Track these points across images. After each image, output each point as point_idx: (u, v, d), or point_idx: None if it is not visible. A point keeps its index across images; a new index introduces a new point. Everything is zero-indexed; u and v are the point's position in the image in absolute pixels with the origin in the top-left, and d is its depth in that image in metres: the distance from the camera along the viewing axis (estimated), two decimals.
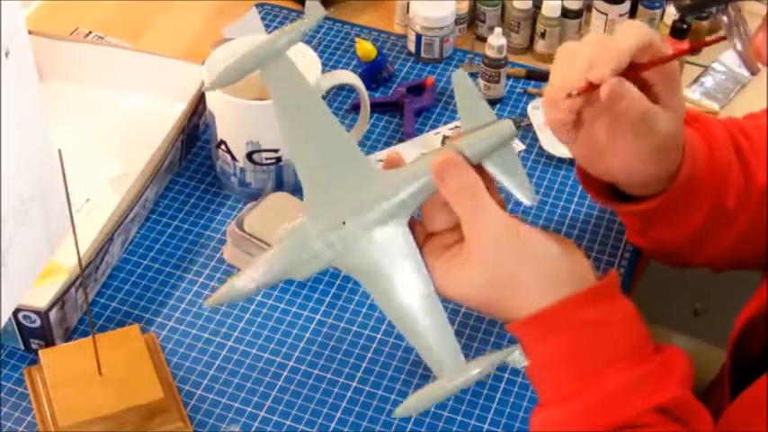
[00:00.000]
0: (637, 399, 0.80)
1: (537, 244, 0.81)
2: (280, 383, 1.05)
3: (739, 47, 0.82)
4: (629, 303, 0.83)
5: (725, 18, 0.82)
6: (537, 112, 1.31)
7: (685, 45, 1.38)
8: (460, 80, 0.82)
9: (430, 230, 0.84)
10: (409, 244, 0.82)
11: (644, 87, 0.89)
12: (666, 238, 1.02)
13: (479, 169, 0.81)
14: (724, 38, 0.84)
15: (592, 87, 0.85)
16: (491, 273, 0.80)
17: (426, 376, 1.06)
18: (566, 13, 1.42)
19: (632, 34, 0.87)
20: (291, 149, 0.83)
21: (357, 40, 1.39)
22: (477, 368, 0.81)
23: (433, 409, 1.03)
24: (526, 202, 0.82)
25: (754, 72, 0.85)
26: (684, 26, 1.36)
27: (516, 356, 0.81)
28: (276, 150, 1.17)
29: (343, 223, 0.81)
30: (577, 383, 0.81)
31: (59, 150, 0.85)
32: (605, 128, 0.92)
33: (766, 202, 0.99)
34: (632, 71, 0.86)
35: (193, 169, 1.26)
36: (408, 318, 0.81)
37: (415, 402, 0.82)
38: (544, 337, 0.80)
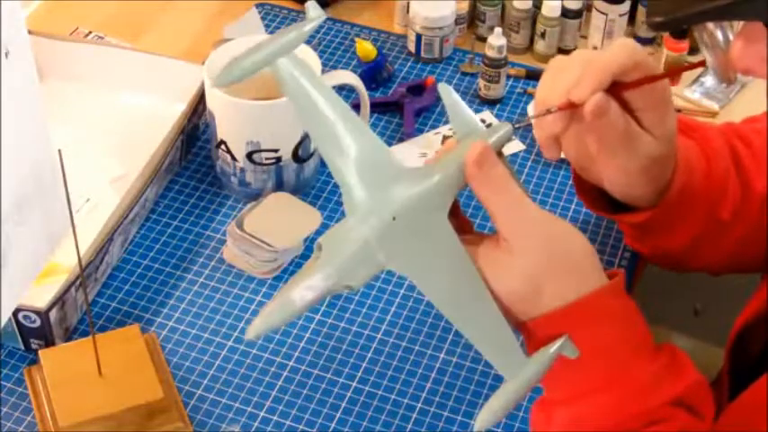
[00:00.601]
0: (662, 389, 0.81)
1: (569, 235, 0.81)
2: (280, 383, 1.05)
3: (710, 62, 0.82)
4: (632, 300, 0.84)
5: (697, 34, 0.82)
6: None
7: (684, 46, 1.39)
8: (446, 93, 0.83)
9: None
10: (455, 239, 0.80)
11: (627, 110, 0.89)
12: (662, 246, 1.03)
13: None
14: (703, 63, 0.83)
15: (572, 105, 0.84)
16: (536, 263, 0.79)
17: (427, 377, 1.06)
18: (566, 13, 1.42)
19: (618, 54, 0.86)
20: (321, 151, 0.81)
21: (357, 40, 1.39)
22: (538, 362, 0.79)
23: (432, 409, 1.03)
24: None
25: (729, 82, 0.84)
26: (684, 26, 1.36)
27: (569, 346, 0.79)
28: (276, 150, 1.17)
29: (393, 219, 0.78)
30: (607, 375, 0.81)
31: (59, 150, 0.85)
32: (594, 144, 0.92)
33: (767, 209, 0.99)
34: (616, 90, 0.85)
35: (193, 169, 1.26)
36: (468, 315, 0.79)
37: (489, 414, 0.80)
38: (585, 326, 0.80)
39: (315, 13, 0.82)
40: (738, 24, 0.76)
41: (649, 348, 0.82)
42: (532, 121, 0.87)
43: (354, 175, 0.80)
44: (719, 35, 0.80)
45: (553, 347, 0.79)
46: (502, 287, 0.79)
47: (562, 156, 0.88)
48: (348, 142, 0.80)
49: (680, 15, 0.74)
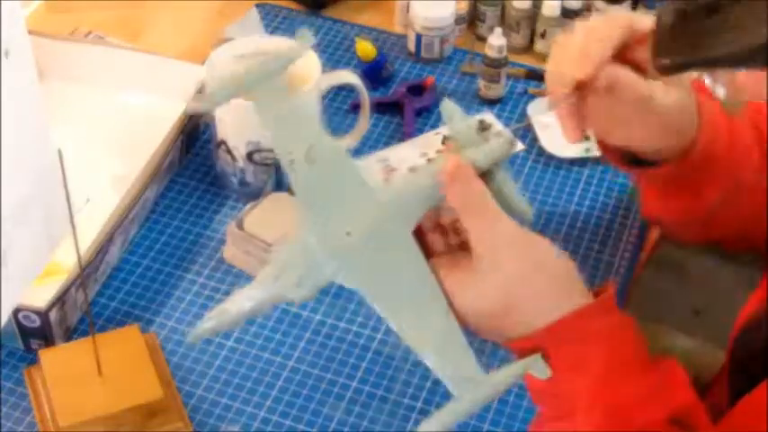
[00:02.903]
0: (651, 408, 0.80)
1: (547, 253, 0.80)
2: (280, 383, 1.05)
3: (721, 94, 0.82)
4: (627, 315, 0.83)
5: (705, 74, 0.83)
6: (537, 113, 1.31)
7: None
8: (450, 111, 0.83)
9: (432, 251, 0.82)
10: (415, 254, 0.79)
11: (641, 69, 0.90)
12: (683, 208, 1.02)
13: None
14: None
15: (582, 84, 0.87)
16: (505, 284, 0.78)
17: (426, 376, 1.06)
18: (566, 13, 1.42)
19: (615, 21, 0.88)
20: (285, 166, 0.82)
21: (357, 39, 1.39)
22: (497, 381, 0.77)
23: (432, 410, 1.03)
24: (525, 218, 0.82)
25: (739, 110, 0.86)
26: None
27: (539, 366, 0.78)
28: None
29: (347, 234, 0.79)
30: (590, 395, 0.79)
31: (59, 150, 0.85)
32: (609, 110, 0.93)
33: None
34: (623, 56, 0.88)
35: (193, 169, 1.26)
36: (419, 332, 0.78)
37: (436, 424, 0.78)
38: (561, 347, 0.79)
39: (304, 40, 0.82)
40: None
41: (639, 367, 0.81)
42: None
43: (310, 195, 0.80)
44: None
45: (513, 370, 0.78)
46: (485, 305, 0.79)
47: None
48: (310, 154, 0.81)
49: (686, 61, 0.74)
